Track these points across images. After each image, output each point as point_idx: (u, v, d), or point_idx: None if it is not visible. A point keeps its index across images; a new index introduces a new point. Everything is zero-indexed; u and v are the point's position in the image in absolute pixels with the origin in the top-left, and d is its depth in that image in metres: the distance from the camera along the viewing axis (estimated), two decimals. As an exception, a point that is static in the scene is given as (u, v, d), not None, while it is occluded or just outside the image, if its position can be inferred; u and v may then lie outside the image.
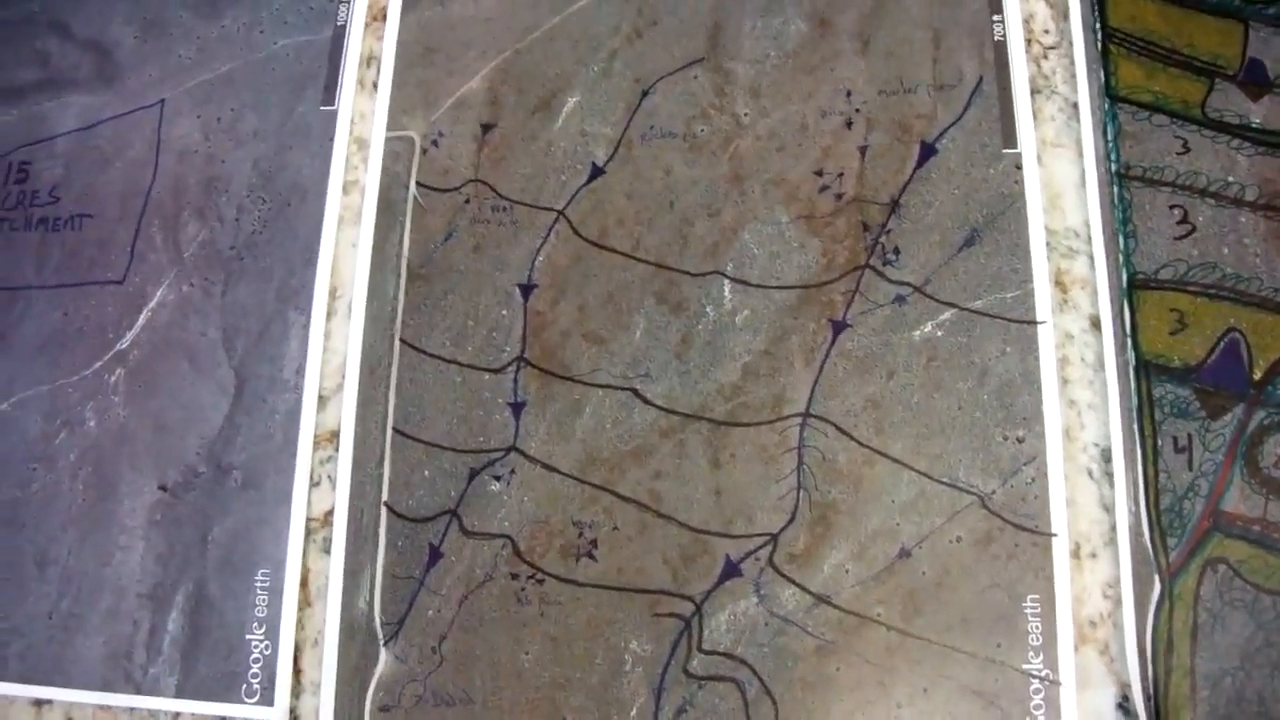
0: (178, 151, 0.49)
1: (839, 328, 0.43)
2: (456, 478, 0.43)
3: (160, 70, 0.50)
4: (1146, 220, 0.43)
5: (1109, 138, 0.44)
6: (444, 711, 0.42)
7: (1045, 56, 0.46)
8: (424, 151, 0.47)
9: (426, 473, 0.43)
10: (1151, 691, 0.39)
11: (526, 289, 0.45)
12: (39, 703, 0.45)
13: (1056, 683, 0.40)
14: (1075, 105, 0.45)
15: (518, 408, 0.44)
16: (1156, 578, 0.40)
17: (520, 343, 0.44)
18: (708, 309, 0.44)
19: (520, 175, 0.46)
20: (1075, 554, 0.41)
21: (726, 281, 0.44)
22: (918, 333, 0.43)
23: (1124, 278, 0.43)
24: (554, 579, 0.42)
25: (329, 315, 0.46)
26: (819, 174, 0.45)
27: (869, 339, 0.43)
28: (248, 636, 0.43)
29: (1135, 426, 0.41)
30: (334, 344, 0.46)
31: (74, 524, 0.46)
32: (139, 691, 0.44)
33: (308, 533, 0.44)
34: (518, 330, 0.44)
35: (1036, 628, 0.40)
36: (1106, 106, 0.44)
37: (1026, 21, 0.46)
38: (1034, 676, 0.40)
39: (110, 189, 0.49)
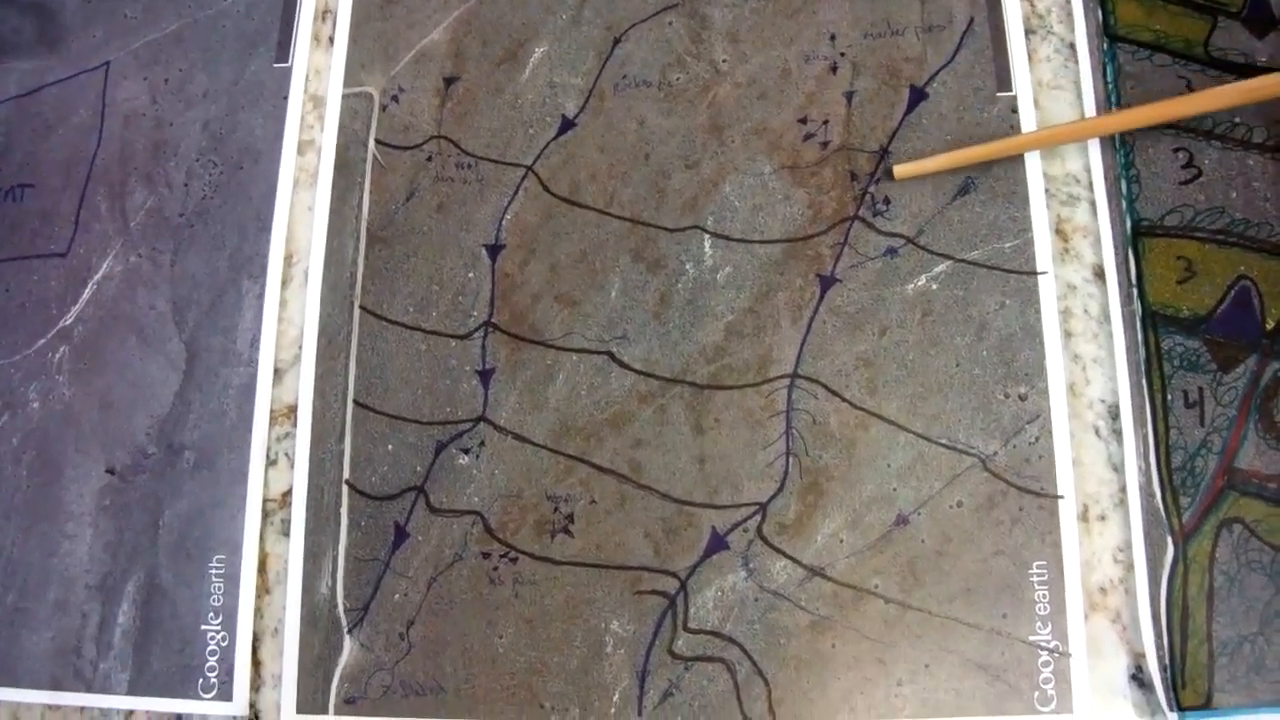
0: (124, 115, 0.45)
1: (827, 283, 0.40)
2: (422, 452, 0.40)
3: (105, 31, 0.47)
4: (1150, 165, 0.40)
5: (1108, 79, 0.41)
6: (413, 702, 0.39)
7: None
8: (383, 108, 0.44)
9: (390, 447, 0.40)
10: (1167, 661, 0.36)
11: (494, 249, 0.42)
12: (-18, 703, 0.41)
13: (1067, 654, 0.37)
14: (1072, 46, 0.42)
15: (486, 375, 0.41)
16: (1169, 540, 0.37)
17: (488, 306, 0.41)
18: (687, 266, 0.41)
19: (486, 130, 0.43)
20: (1083, 517, 0.38)
21: (707, 236, 0.41)
22: (911, 286, 0.40)
23: (1128, 225, 0.40)
24: (528, 557, 0.39)
25: (284, 283, 0.43)
26: (803, 122, 0.42)
27: (860, 294, 0.40)
28: (203, 627, 0.40)
29: (1143, 381, 0.39)
30: (290, 313, 0.42)
31: (17, 512, 0.43)
32: (89, 689, 0.41)
33: (265, 515, 0.41)
34: (485, 293, 0.41)
35: (1044, 596, 0.37)
36: (1105, 46, 0.42)
37: (1017, -42, 0.43)
38: (1042, 648, 0.37)
39: (53, 157, 0.46)
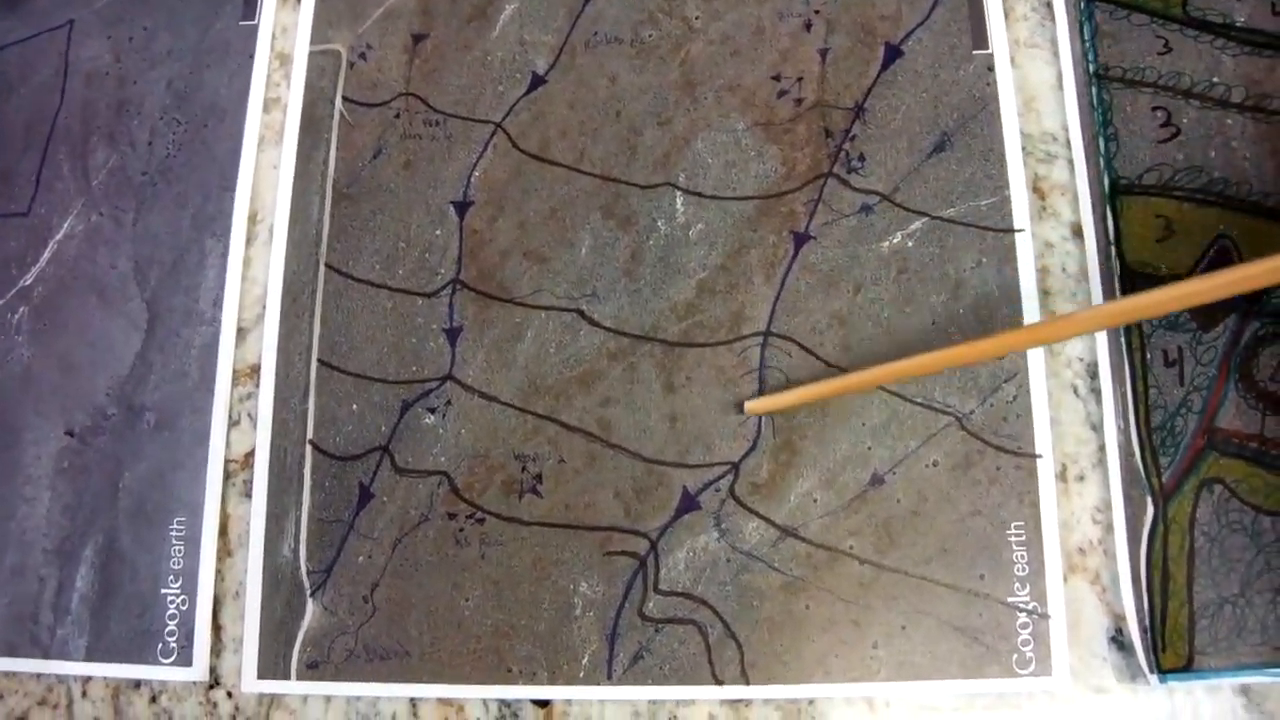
0: (86, 74, 0.44)
1: (801, 240, 0.39)
2: (388, 411, 0.39)
3: None
4: (1128, 123, 0.40)
5: (1085, 37, 0.41)
6: (377, 666, 0.38)
7: None
8: (350, 65, 0.43)
9: (355, 407, 0.39)
10: (1147, 623, 0.36)
11: (462, 207, 0.41)
12: (-66, 672, 0.40)
13: (1045, 616, 0.36)
14: (1049, 4, 0.41)
15: (453, 333, 0.40)
16: (1149, 500, 0.37)
17: (455, 264, 0.40)
18: (658, 223, 0.40)
19: (455, 87, 0.42)
20: (1061, 477, 0.38)
21: (678, 193, 0.40)
22: (886, 244, 0.39)
23: (1106, 183, 0.39)
24: (495, 518, 0.38)
25: (249, 241, 0.42)
26: (776, 79, 0.41)
27: (834, 251, 0.39)
28: (163, 591, 0.39)
29: (1122, 340, 0.38)
30: (254, 272, 0.41)
31: None
32: (46, 655, 0.39)
33: (227, 476, 0.40)
34: (453, 250, 0.40)
35: (1022, 557, 0.37)
36: (1082, 5, 0.41)
37: (994, -83, 0.43)
38: (1020, 609, 0.36)
39: (14, 117, 0.44)
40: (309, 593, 0.38)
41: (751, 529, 0.37)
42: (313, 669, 0.37)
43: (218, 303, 0.41)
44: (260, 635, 0.38)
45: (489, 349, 0.39)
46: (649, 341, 0.38)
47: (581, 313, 0.39)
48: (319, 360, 0.40)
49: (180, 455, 0.40)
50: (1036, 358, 0.37)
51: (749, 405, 0.37)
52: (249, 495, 0.39)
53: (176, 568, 0.39)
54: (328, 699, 0.38)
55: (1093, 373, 0.38)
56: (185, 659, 0.39)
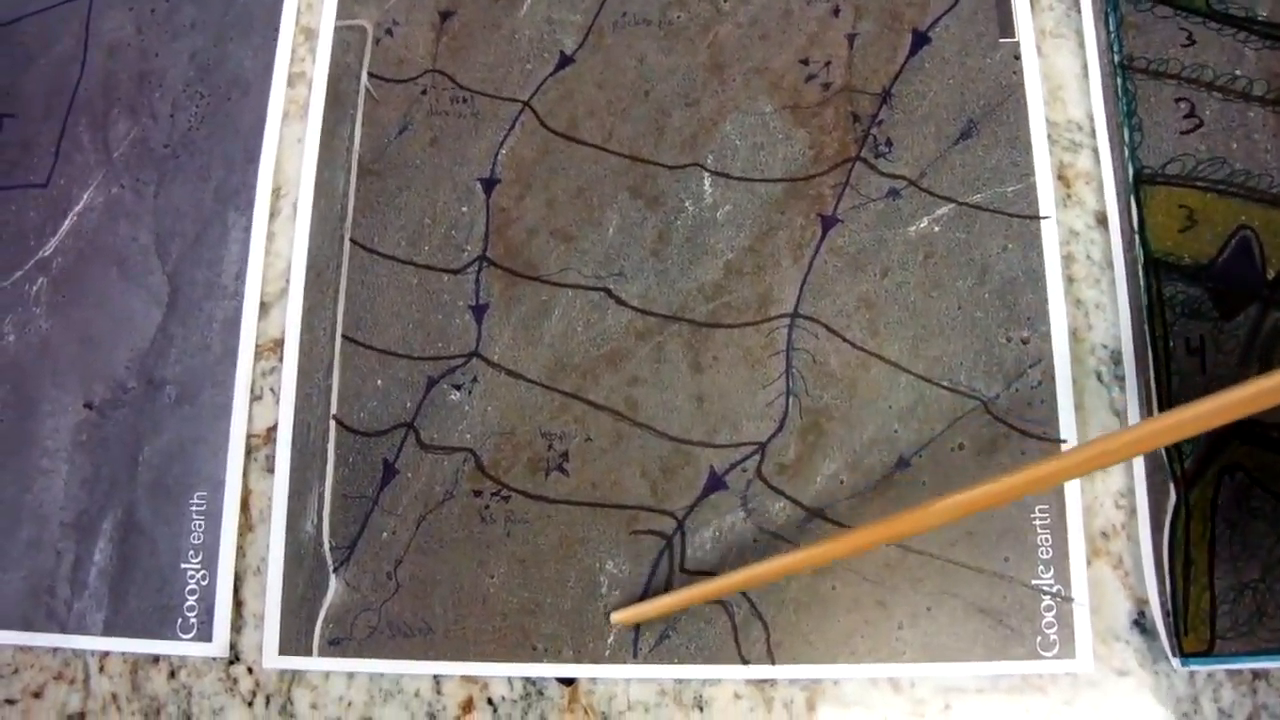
0: (108, 45, 0.44)
1: (829, 223, 0.40)
2: (413, 387, 0.39)
3: None
4: (1152, 114, 0.40)
5: (1110, 28, 0.41)
6: (401, 643, 0.37)
7: None
8: (377, 41, 0.43)
9: (379, 383, 0.39)
10: (1169, 607, 0.36)
11: (489, 184, 0.41)
12: (-51, 645, 0.39)
13: (1069, 599, 0.36)
14: None
15: (480, 311, 0.40)
16: (1171, 486, 0.37)
17: (482, 241, 0.40)
18: (686, 203, 0.40)
19: (482, 65, 0.42)
20: (1084, 459, 0.38)
21: (706, 174, 0.40)
22: (913, 228, 0.40)
23: (1130, 172, 0.40)
24: (521, 495, 0.38)
25: (272, 215, 0.41)
26: (804, 63, 0.41)
27: (861, 234, 0.40)
28: (183, 566, 0.39)
29: (1145, 327, 0.38)
30: (277, 246, 0.41)
31: None
32: (63, 630, 0.39)
33: (248, 450, 0.40)
34: (479, 228, 0.41)
35: (1046, 540, 0.37)
36: None
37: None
38: (1045, 592, 0.36)
39: (34, 87, 0.44)
40: (331, 569, 0.38)
41: (778, 509, 0.37)
42: (335, 645, 0.37)
43: (240, 276, 0.41)
44: (282, 611, 0.38)
45: (516, 327, 0.39)
46: (676, 321, 0.39)
47: (609, 291, 0.39)
48: (343, 336, 0.39)
49: (201, 429, 0.40)
50: (1061, 344, 0.38)
51: (615, 616, 0.36)
52: (270, 470, 0.39)
53: (197, 543, 0.39)
54: (350, 675, 0.38)
55: (1116, 359, 0.38)
56: (205, 634, 0.38)
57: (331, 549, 0.38)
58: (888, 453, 0.37)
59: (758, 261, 0.39)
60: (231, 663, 0.38)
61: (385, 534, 0.38)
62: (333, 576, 0.38)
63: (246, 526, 0.39)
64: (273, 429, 0.39)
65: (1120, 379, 0.38)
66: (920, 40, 0.41)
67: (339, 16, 0.42)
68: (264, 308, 0.40)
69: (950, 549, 0.36)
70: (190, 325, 0.41)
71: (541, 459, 0.38)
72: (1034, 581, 0.36)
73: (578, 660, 0.36)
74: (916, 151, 0.39)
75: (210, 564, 0.39)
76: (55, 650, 0.39)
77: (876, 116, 0.40)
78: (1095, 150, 0.40)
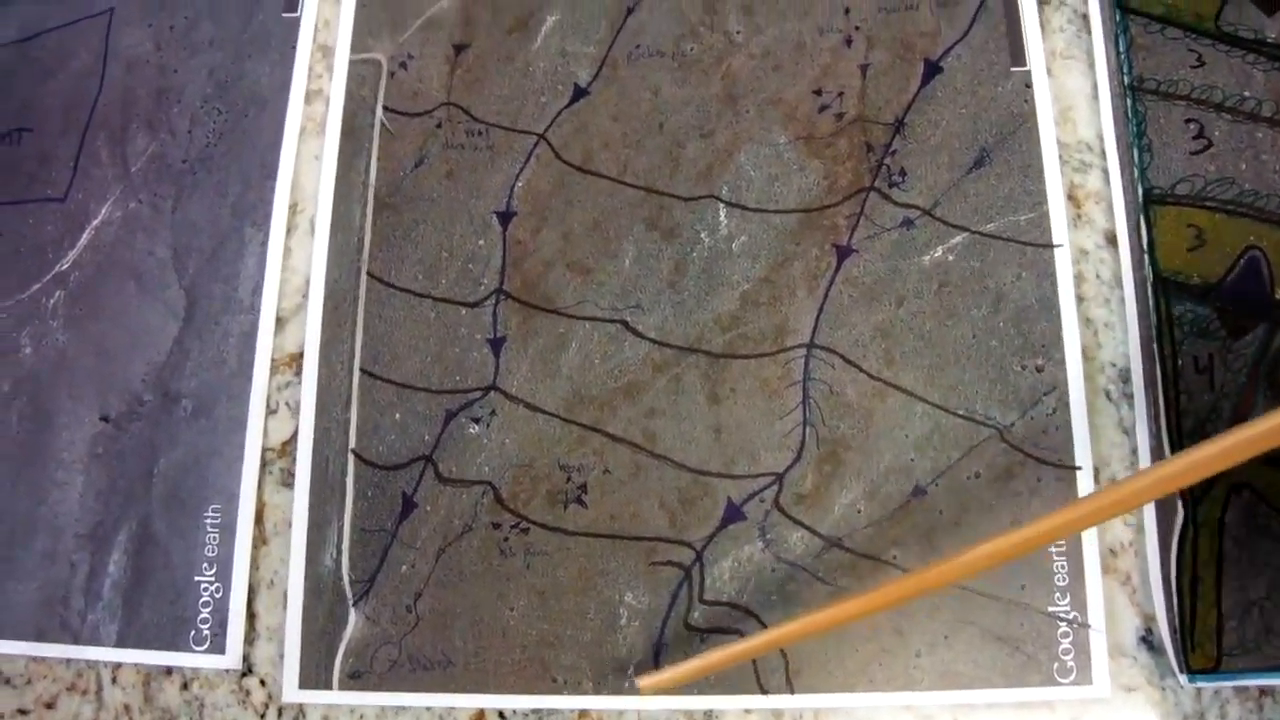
0: (126, 62, 0.46)
1: (844, 253, 0.40)
2: (431, 421, 0.40)
3: None
4: (1161, 134, 0.41)
5: (1120, 50, 0.42)
6: (421, 675, 0.38)
7: None
8: (391, 75, 0.44)
9: (398, 416, 0.40)
10: (1177, 624, 0.38)
11: (505, 217, 0.42)
12: (-37, 655, 0.42)
13: (1086, 625, 0.37)
14: (1085, 17, 0.43)
15: (497, 344, 0.40)
16: (1180, 504, 0.39)
17: (499, 274, 0.41)
18: (702, 235, 0.41)
19: (497, 98, 0.43)
20: (1095, 479, 0.39)
21: (722, 206, 0.41)
22: (928, 257, 0.40)
23: (1139, 192, 0.41)
24: (540, 528, 0.39)
25: (289, 231, 0.43)
26: (818, 93, 0.42)
27: (876, 264, 0.40)
28: (196, 578, 0.40)
29: (1155, 346, 0.40)
30: (294, 262, 0.43)
31: (6, 459, 0.43)
32: (76, 641, 0.41)
33: (264, 464, 0.41)
34: (496, 261, 0.41)
35: (1062, 567, 0.38)
36: (1118, 18, 0.43)
37: (1030, -69, 0.44)
38: (1061, 619, 0.37)
39: (52, 102, 0.46)
40: (351, 602, 0.39)
41: (796, 539, 0.38)
42: (355, 679, 0.38)
43: (257, 291, 0.43)
44: (302, 644, 0.39)
45: (533, 359, 0.40)
46: (693, 353, 0.39)
47: (626, 324, 0.40)
48: (361, 369, 0.41)
49: (217, 442, 0.42)
50: (1075, 371, 0.39)
51: (641, 684, 0.36)
52: (285, 484, 0.41)
53: (211, 555, 0.41)
54: (381, 709, 0.38)
55: (1125, 378, 0.40)
56: (218, 646, 0.40)
57: (351, 582, 0.39)
58: (904, 481, 0.38)
59: (773, 292, 0.39)
60: (244, 675, 0.40)
61: (404, 567, 0.38)
62: (352, 610, 0.38)
63: (261, 540, 0.41)
64: (288, 443, 0.42)
65: (1129, 397, 0.40)
66: (932, 70, 0.41)
67: (353, 50, 0.43)
68: (280, 323, 0.43)
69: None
70: (206, 339, 0.43)
71: (560, 491, 0.38)
72: (1050, 609, 0.37)
73: (598, 692, 0.37)
74: (930, 181, 0.40)
75: (224, 576, 0.40)
76: (68, 661, 0.41)
77: (890, 146, 0.41)
78: (1105, 170, 0.42)
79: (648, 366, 0.41)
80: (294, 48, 0.45)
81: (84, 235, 0.44)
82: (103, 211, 0.44)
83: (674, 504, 0.39)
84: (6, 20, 0.48)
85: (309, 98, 0.45)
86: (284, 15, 0.46)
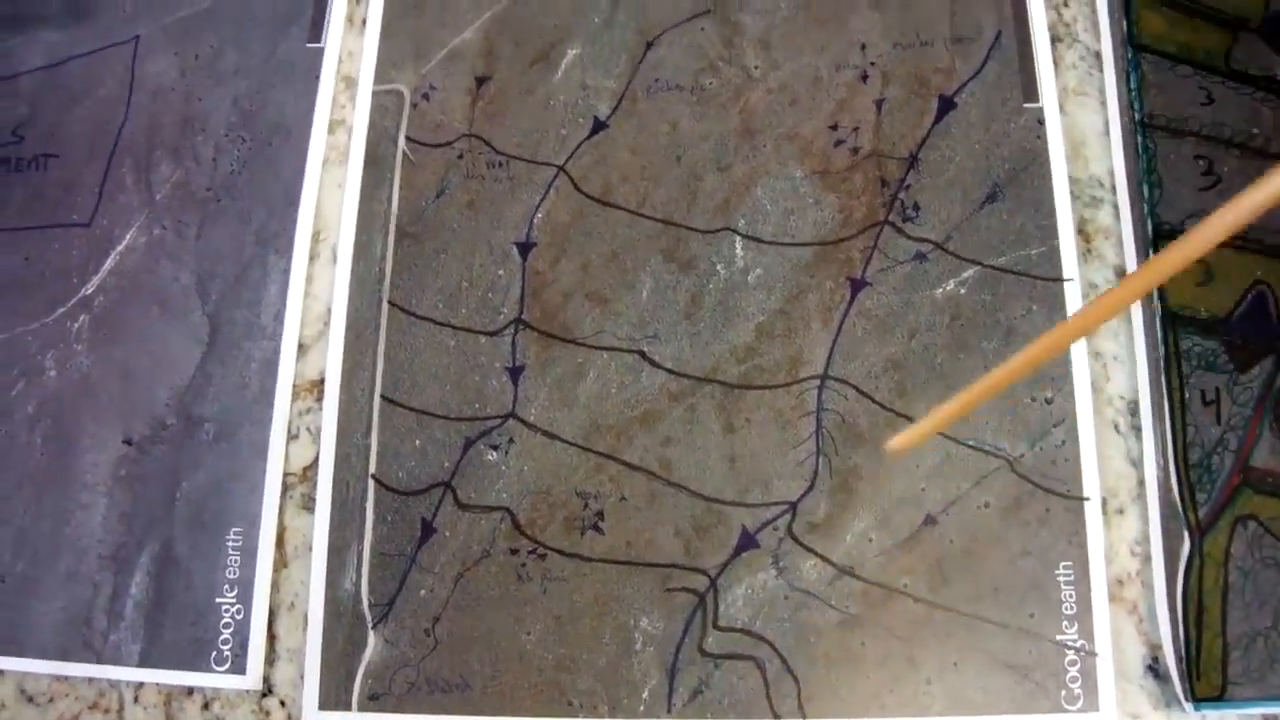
0: (152, 89, 0.48)
1: (858, 286, 0.42)
2: (450, 447, 0.42)
3: (135, 5, 0.50)
4: (1171, 170, 0.43)
5: (1132, 86, 0.43)
6: (439, 698, 0.40)
7: (1065, 4, 0.45)
8: (414, 105, 0.45)
9: (418, 442, 0.41)
10: (1183, 653, 0.39)
11: (525, 247, 0.43)
12: (-11, 671, 0.45)
13: (1093, 654, 0.38)
14: (1097, 54, 0.45)
15: (516, 372, 0.42)
16: (1186, 534, 0.40)
17: (518, 304, 0.42)
18: (718, 267, 0.42)
19: (517, 130, 0.44)
20: (1102, 510, 0.40)
21: (738, 238, 0.42)
22: (940, 291, 0.41)
23: (1149, 228, 0.42)
24: (557, 553, 0.41)
25: (311, 258, 0.46)
26: (834, 128, 0.44)
27: (889, 297, 0.42)
28: (218, 600, 0.42)
29: (1162, 379, 0.42)
30: (316, 289, 0.45)
31: (30, 480, 0.44)
32: (99, 660, 0.42)
33: (285, 488, 0.43)
34: (515, 291, 0.42)
35: (1070, 596, 0.39)
36: (1129, 56, 0.44)
37: (1045, -32, 0.45)
38: (1069, 647, 0.38)
39: (78, 128, 0.48)
40: (370, 625, 0.40)
41: (809, 567, 0.39)
42: (374, 700, 0.39)
43: (279, 317, 0.45)
44: (322, 666, 0.41)
45: (551, 388, 0.41)
46: (709, 383, 0.40)
47: (643, 354, 0.41)
48: (382, 396, 0.42)
49: (238, 466, 0.43)
50: (1084, 403, 0.40)
51: (891, 445, 0.30)
52: (306, 509, 0.43)
53: (232, 577, 0.42)
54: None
55: (1133, 410, 0.42)
56: (239, 667, 0.42)
57: (370, 606, 0.40)
58: (915, 511, 0.39)
59: (788, 324, 0.40)
60: (265, 695, 0.42)
61: (423, 591, 0.40)
62: (372, 633, 0.40)
63: (281, 562, 0.43)
64: (309, 468, 0.43)
65: (1137, 430, 0.42)
66: (946, 105, 0.42)
67: (376, 81, 0.45)
68: (302, 349, 0.45)
69: (977, 605, 0.39)
70: (229, 364, 0.44)
71: (577, 518, 0.40)
72: (1059, 637, 0.38)
73: (613, 715, 0.39)
74: (943, 215, 0.41)
75: (245, 598, 0.42)
76: (91, 680, 0.43)
77: (904, 181, 0.42)
78: (1115, 206, 0.44)
79: (664, 396, 0.42)
80: (318, 78, 0.47)
81: (108, 260, 0.46)
82: (127, 237, 0.46)
83: (689, 531, 0.40)
84: (33, 47, 0.50)
85: (332, 127, 0.46)
86: (308, 45, 0.48)
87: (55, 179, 0.47)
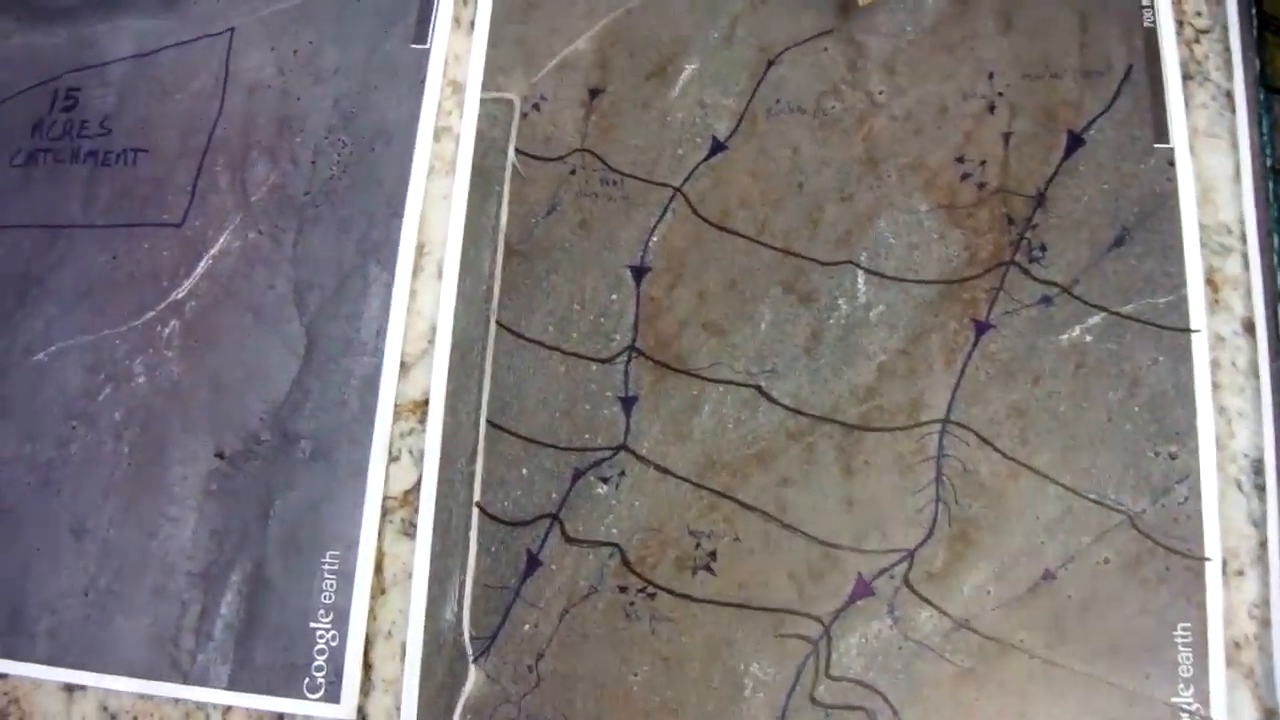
0: (247, 85, 0.46)
1: (982, 328, 0.40)
2: (559, 478, 0.40)
3: None
4: None
5: (1264, 131, 0.42)
6: (541, 737, 0.38)
7: (1198, 41, 0.45)
8: (524, 116, 0.43)
9: (524, 471, 0.40)
10: None
11: (639, 271, 0.41)
12: (70, 688, 0.42)
13: (1208, 718, 0.37)
14: (1229, 94, 0.44)
15: (628, 402, 0.40)
16: None
17: (632, 331, 0.41)
18: (840, 301, 0.41)
19: (632, 147, 0.43)
20: (1222, 570, 0.39)
21: (860, 272, 0.41)
22: (1065, 337, 0.40)
23: (1279, 279, 0.40)
24: (667, 593, 0.40)
25: (415, 273, 0.44)
26: (960, 160, 0.42)
27: (1014, 341, 0.40)
28: (312, 625, 0.41)
29: None
30: (420, 305, 0.43)
31: (117, 491, 0.43)
32: (186, 680, 0.41)
33: (384, 512, 0.42)
34: (629, 317, 0.41)
35: (1187, 658, 0.38)
36: (1262, 98, 0.43)
37: (1177, 2, 0.43)
38: (1184, 710, 0.38)
39: (169, 123, 0.46)
40: (471, 658, 0.39)
41: (925, 618, 0.38)
42: (472, 736, 0.38)
43: (381, 333, 0.43)
44: (419, 699, 0.40)
45: (665, 421, 0.40)
46: (828, 423, 0.40)
47: (760, 389, 0.40)
48: (488, 421, 0.40)
49: (335, 487, 0.42)
50: (1208, 460, 0.39)
51: None
52: (406, 534, 0.42)
53: (327, 602, 0.41)
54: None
55: (1258, 469, 0.41)
56: (333, 695, 0.40)
57: (472, 639, 0.39)
58: (1034, 564, 0.39)
59: (910, 365, 0.39)
60: None
61: (527, 626, 0.39)
62: (472, 666, 0.39)
63: (379, 589, 0.42)
64: (409, 492, 0.42)
65: (1260, 488, 0.41)
66: (1075, 142, 0.41)
67: (485, 88, 0.43)
68: (404, 367, 0.43)
69: (1092, 664, 0.38)
70: (327, 380, 0.43)
71: (689, 557, 0.39)
72: (1174, 699, 0.38)
73: None
74: (1070, 258, 0.40)
75: (340, 625, 0.41)
76: (177, 701, 0.41)
77: (1031, 220, 0.41)
78: (1244, 255, 0.43)
79: (781, 434, 0.41)
80: (423, 81, 0.45)
81: (201, 264, 0.44)
82: (221, 240, 0.45)
83: (803, 576, 0.40)
84: (122, 35, 0.48)
85: (438, 135, 0.44)
86: (413, 46, 0.46)
87: (145, 175, 0.45)
